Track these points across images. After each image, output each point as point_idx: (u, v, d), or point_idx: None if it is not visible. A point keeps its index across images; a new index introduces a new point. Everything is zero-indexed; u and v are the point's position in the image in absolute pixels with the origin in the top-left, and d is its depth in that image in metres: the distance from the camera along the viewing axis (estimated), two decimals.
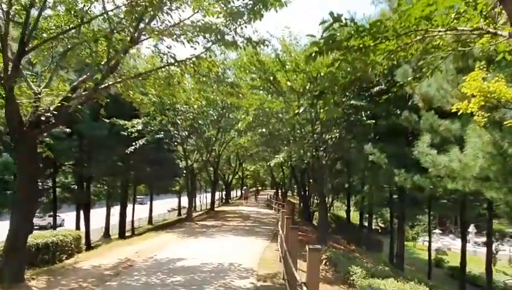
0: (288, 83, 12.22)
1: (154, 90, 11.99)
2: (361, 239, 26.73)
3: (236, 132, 18.31)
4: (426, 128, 10.97)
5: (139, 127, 20.65)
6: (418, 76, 7.54)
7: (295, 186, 52.62)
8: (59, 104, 8.23)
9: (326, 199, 55.38)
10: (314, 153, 14.73)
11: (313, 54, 5.55)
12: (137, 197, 58.06)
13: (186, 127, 21.93)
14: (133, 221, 33.21)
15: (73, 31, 10.09)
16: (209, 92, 12.50)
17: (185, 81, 11.57)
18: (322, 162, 15.28)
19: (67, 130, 18.91)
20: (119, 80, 9.47)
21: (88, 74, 9.16)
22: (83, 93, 8.78)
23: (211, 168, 34.41)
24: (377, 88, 14.00)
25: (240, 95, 10.49)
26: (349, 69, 5.38)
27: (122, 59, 8.59)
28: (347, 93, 13.78)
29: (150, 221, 48.06)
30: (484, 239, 39.67)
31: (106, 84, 9.27)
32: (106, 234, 36.85)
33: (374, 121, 12.62)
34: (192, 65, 10.10)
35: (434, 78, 9.05)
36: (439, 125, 10.64)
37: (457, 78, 8.63)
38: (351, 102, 12.69)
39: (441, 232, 41.30)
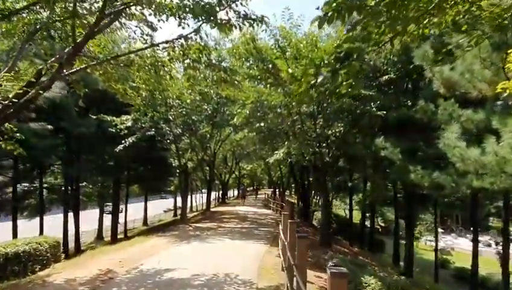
0: (290, 70, 10.92)
1: (139, 79, 10.63)
2: (363, 240, 25.47)
3: (232, 128, 16.97)
4: (445, 119, 9.71)
5: (129, 124, 19.26)
6: (443, 54, 6.26)
7: (293, 185, 51.42)
8: (19, 91, 6.87)
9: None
10: (316, 150, 13.44)
11: (328, 14, 4.25)
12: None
13: (179, 124, 20.56)
14: (125, 223, 31.78)
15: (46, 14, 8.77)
16: (201, 80, 11.14)
17: (173, 70, 10.18)
18: (325, 159, 13.99)
19: (49, 126, 17.47)
20: (92, 63, 8.10)
21: (57, 56, 7.80)
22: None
23: (207, 168, 33.01)
24: (385, 77, 12.71)
25: (236, 82, 9.16)
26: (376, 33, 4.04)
27: (92, 35, 7.19)
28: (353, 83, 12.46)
29: (145, 222, 46.70)
30: (487, 238, 38.59)
31: (77, 69, 7.92)
32: (99, 236, 35.47)
33: (384, 112, 11.34)
34: (180, 48, 8.77)
35: (461, 60, 7.80)
36: (460, 116, 9.37)
37: (491, 56, 7.38)
38: (360, 91, 11.36)
39: (442, 231, 40.13)
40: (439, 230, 39.49)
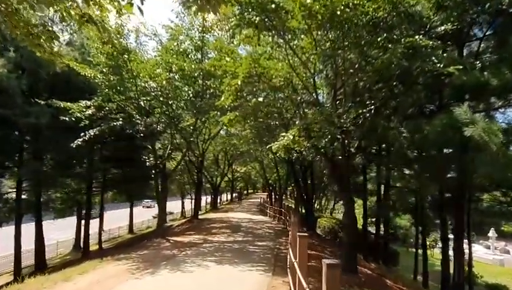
0: (307, 1, 6.61)
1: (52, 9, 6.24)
2: (377, 251, 21.08)
3: (218, 112, 12.50)
4: None
5: (89, 112, 14.74)
6: None
7: (289, 188, 46.81)
8: None
9: (326, 202, 49.57)
10: (338, 136, 9.07)
11: None
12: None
13: (156, 114, 16.02)
14: (100, 233, 27.02)
15: None
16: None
17: None
18: (350, 151, 9.64)
19: None
20: None
21: None
22: None
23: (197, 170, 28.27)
24: (441, 28, 8.36)
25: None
26: None
27: None
28: (395, 35, 8.10)
29: (131, 230, 42.32)
30: (503, 243, 34.39)
31: None
32: (77, 247, 30.88)
33: (460, 67, 6.98)
34: None
35: None
36: None
37: None
38: (415, 38, 6.95)
39: (453, 236, 35.80)
40: (449, 236, 35.24)
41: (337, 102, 10.01)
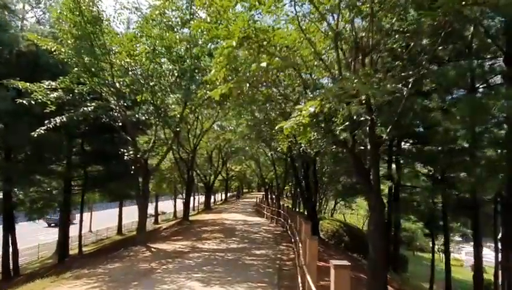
0: None
1: None
2: (388, 257, 18.68)
3: (207, 92, 9.96)
4: None
5: (55, 94, 12.12)
6: None
7: (286, 187, 44.21)
8: None
9: (326, 203, 46.97)
10: (367, 117, 6.60)
11: None
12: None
13: (135, 100, 13.40)
14: (80, 236, 24.23)
15: None
16: None
17: None
18: (382, 137, 7.17)
19: None
20: None
21: None
22: None
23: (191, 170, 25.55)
24: None
25: None
26: None
27: None
28: None
29: (120, 230, 39.86)
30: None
31: None
32: (60, 249, 28.13)
33: None
34: None
35: None
36: None
37: None
38: None
39: (460, 239, 33.48)
40: (457, 238, 32.97)
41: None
